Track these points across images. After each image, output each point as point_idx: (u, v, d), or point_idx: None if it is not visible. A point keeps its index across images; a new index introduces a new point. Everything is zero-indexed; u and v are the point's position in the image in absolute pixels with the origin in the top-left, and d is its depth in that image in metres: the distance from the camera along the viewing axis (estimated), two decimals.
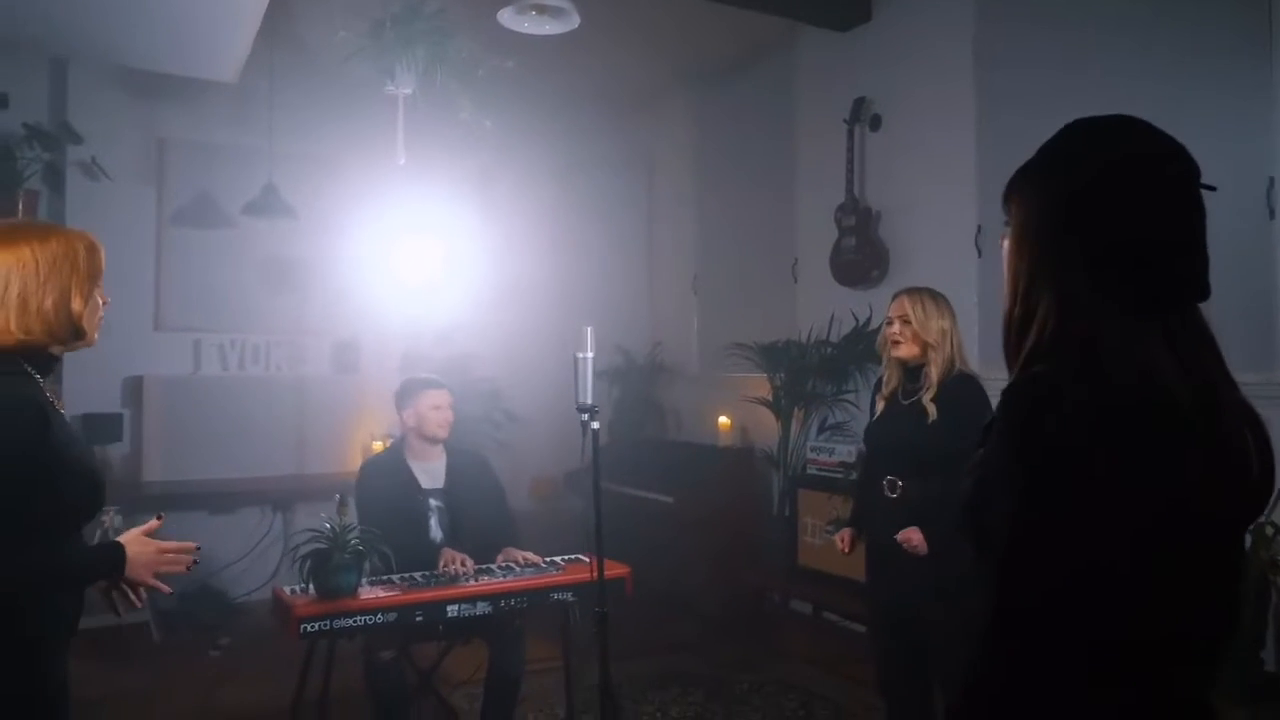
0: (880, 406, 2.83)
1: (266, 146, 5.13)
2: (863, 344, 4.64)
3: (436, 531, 3.21)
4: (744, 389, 5.38)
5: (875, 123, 4.66)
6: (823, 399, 4.84)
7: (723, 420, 5.33)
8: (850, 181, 4.67)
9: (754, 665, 4.30)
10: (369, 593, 2.67)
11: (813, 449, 4.71)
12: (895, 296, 2.84)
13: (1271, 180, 3.10)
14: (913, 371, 2.79)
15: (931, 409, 2.67)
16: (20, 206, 4.66)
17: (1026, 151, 4.42)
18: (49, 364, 1.65)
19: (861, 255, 4.60)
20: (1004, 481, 1.05)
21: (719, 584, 4.90)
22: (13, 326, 1.55)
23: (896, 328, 2.76)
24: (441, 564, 2.97)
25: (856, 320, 4.73)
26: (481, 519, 3.23)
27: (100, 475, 1.66)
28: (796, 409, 4.90)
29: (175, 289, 5.35)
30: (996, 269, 4.01)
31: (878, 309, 4.62)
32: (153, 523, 1.73)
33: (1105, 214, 1.09)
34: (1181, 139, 3.67)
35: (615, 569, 3.05)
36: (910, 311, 2.74)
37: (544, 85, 5.63)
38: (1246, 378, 3.10)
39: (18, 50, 4.80)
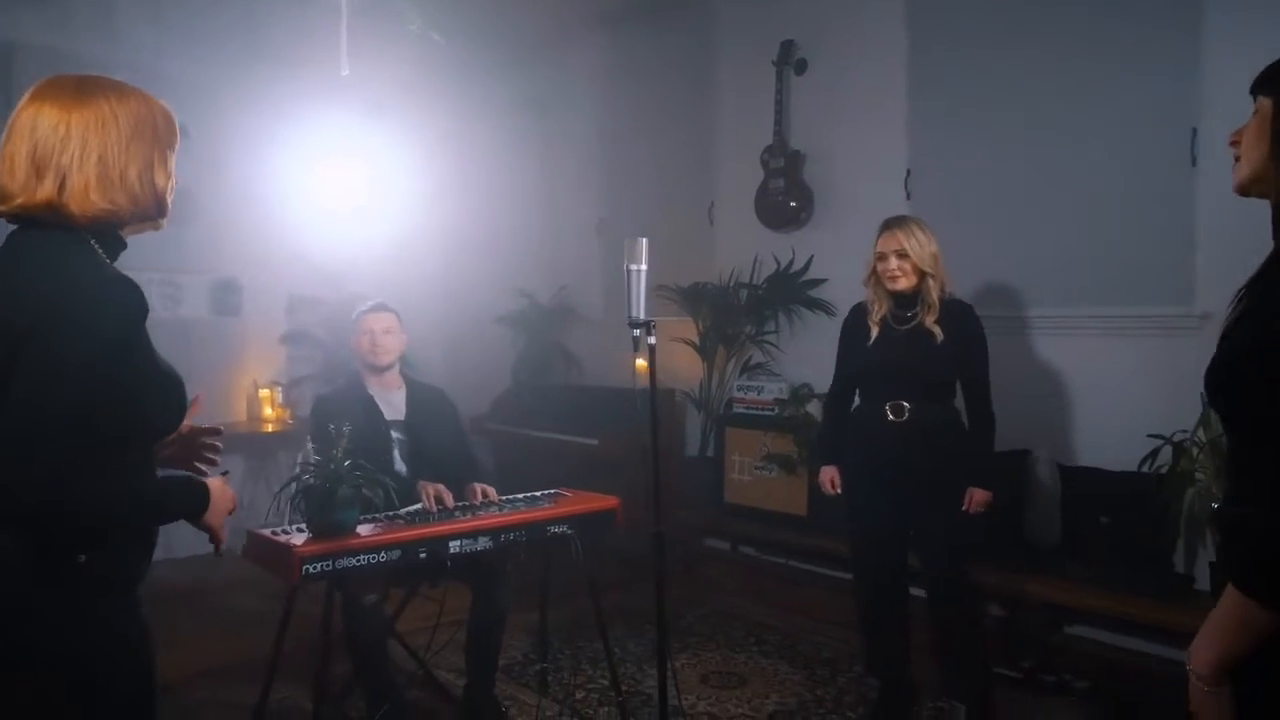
0: (874, 332, 2.90)
1: (142, 59, 4.58)
2: (787, 286, 4.75)
3: (400, 464, 3.03)
4: (660, 331, 5.37)
5: (801, 66, 4.73)
6: (748, 340, 4.91)
7: (639, 363, 5.29)
8: (779, 123, 4.72)
9: (691, 601, 4.36)
10: (363, 529, 2.49)
11: (739, 388, 4.78)
12: (882, 231, 2.90)
13: (1195, 130, 3.38)
14: (902, 298, 2.87)
15: (938, 331, 2.76)
16: None
17: (956, 98, 4.62)
18: (117, 248, 1.40)
19: (789, 197, 4.68)
20: None
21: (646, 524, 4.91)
22: (93, 195, 1.30)
23: (894, 264, 2.82)
24: (424, 498, 2.81)
25: (778, 263, 4.83)
26: (444, 451, 3.08)
27: (184, 388, 1.43)
28: (720, 350, 4.96)
29: None
30: (924, 211, 4.15)
31: (800, 251, 4.74)
32: (224, 476, 1.55)
33: None
34: (1110, 91, 3.91)
35: (606, 501, 2.99)
36: (905, 244, 2.81)
37: (442, 26, 5.34)
38: (1168, 310, 3.39)
39: None
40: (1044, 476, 3.78)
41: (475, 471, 3.13)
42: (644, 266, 2.30)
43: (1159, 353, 3.48)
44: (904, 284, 2.82)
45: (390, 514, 2.62)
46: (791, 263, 4.76)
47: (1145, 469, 3.33)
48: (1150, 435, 3.25)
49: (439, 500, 2.80)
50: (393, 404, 3.09)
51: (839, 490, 3.07)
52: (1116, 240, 3.61)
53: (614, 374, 5.57)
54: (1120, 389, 3.55)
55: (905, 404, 2.82)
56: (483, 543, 2.64)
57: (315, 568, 2.32)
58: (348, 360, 5.78)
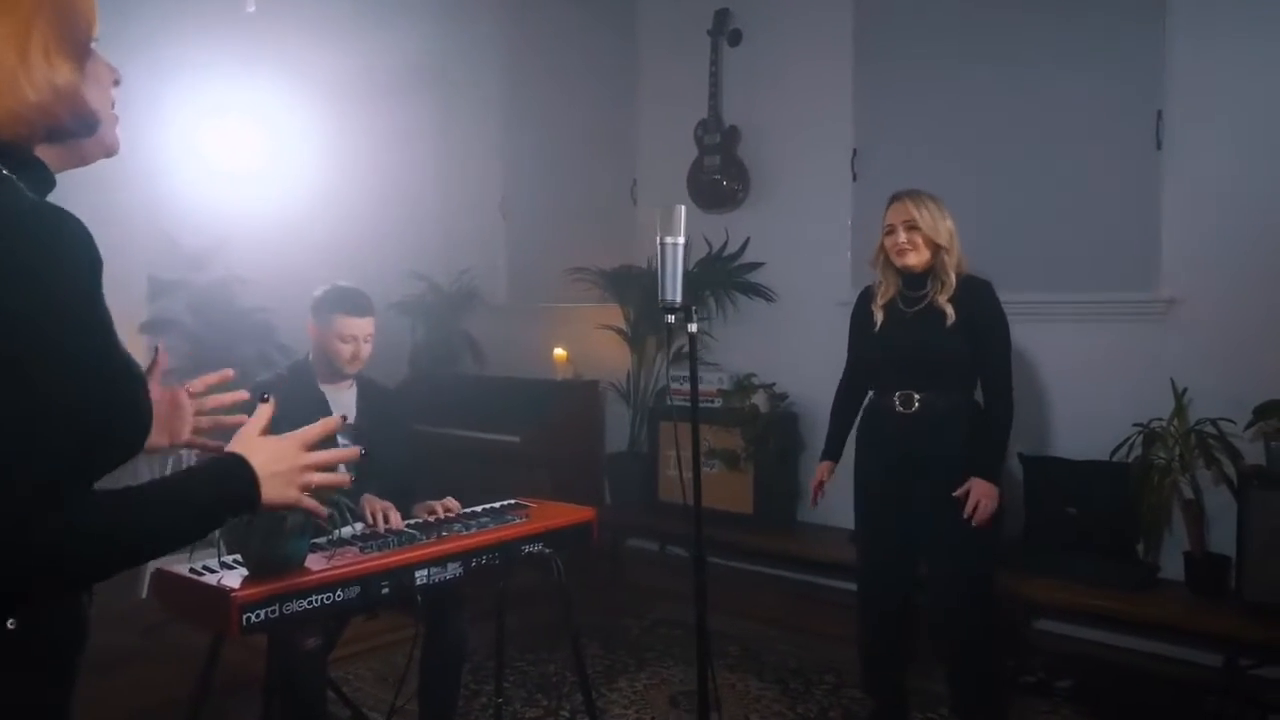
0: (880, 317, 2.64)
1: None
2: (722, 270, 4.47)
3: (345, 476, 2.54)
4: (575, 318, 5.01)
5: (735, 37, 4.45)
6: (679, 328, 4.59)
7: (559, 352, 4.91)
8: (714, 97, 4.43)
9: (631, 609, 4.03)
10: (312, 562, 2.01)
11: (674, 378, 4.47)
12: (891, 203, 2.65)
13: (1159, 113, 3.32)
14: (912, 279, 2.63)
15: (950, 310, 2.53)
16: None
17: (908, 75, 4.39)
18: (47, 186, 0.95)
19: (725, 176, 4.40)
20: None
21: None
22: None
23: (903, 236, 2.57)
24: (368, 514, 2.35)
25: (710, 245, 4.54)
26: (392, 463, 2.62)
27: (147, 387, 0.99)
28: (650, 339, 4.63)
29: None
30: (872, 192, 4.01)
31: (736, 233, 4.47)
32: (264, 408, 1.12)
33: None
34: (1075, 73, 3.81)
35: (579, 513, 2.61)
36: (917, 215, 2.56)
37: None
38: (1133, 295, 3.32)
39: None
40: (1007, 467, 3.67)
41: (421, 487, 2.68)
42: (683, 240, 1.92)
43: (1124, 339, 3.42)
44: (914, 260, 2.57)
45: (330, 538, 2.15)
46: (725, 245, 4.49)
47: (1118, 457, 3.26)
48: (1135, 425, 3.17)
49: (385, 520, 2.35)
50: (343, 404, 2.60)
51: (823, 493, 2.80)
52: (1079, 225, 3.53)
53: (522, 364, 5.15)
54: (1085, 376, 3.47)
55: (915, 394, 2.57)
56: (453, 570, 2.20)
57: (258, 615, 1.83)
58: (222, 350, 5.17)
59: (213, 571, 1.92)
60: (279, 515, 1.87)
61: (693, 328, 1.96)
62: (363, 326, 2.57)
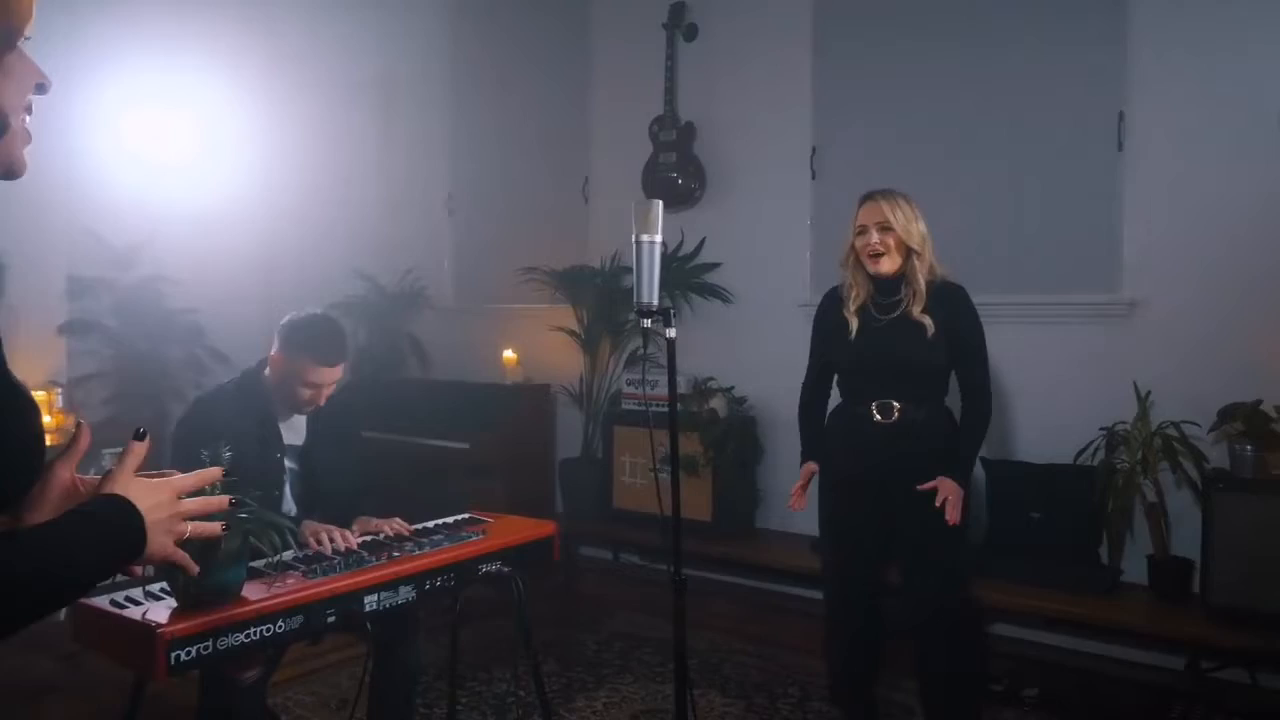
0: (854, 323, 2.54)
1: None
2: (677, 270, 4.35)
3: (290, 503, 2.36)
4: (526, 320, 4.86)
5: (691, 32, 4.33)
6: (632, 329, 4.47)
7: (508, 355, 4.74)
8: (669, 93, 4.31)
9: (586, 622, 3.89)
10: (250, 590, 1.83)
11: (629, 382, 4.34)
12: (862, 202, 2.56)
13: (1121, 114, 3.30)
14: (884, 283, 2.54)
15: (928, 321, 2.44)
16: None
17: (869, 72, 4.27)
18: None
19: (682, 173, 4.28)
20: None
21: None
22: None
23: (876, 238, 2.48)
24: (312, 542, 2.17)
25: (665, 245, 4.40)
26: (341, 484, 2.44)
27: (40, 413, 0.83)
28: (603, 341, 4.49)
29: None
30: (831, 191, 3.93)
31: (692, 232, 4.36)
32: (138, 447, 0.99)
33: None
34: (1037, 74, 3.76)
35: (539, 528, 2.47)
36: (890, 216, 2.47)
37: None
38: (1095, 297, 3.30)
39: None
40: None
41: (370, 502, 2.50)
42: (659, 238, 1.79)
43: (1087, 341, 3.39)
44: (887, 266, 2.49)
45: (269, 561, 1.96)
46: (681, 245, 4.37)
47: (1083, 461, 3.22)
48: (1102, 428, 3.14)
49: (330, 540, 2.17)
50: (293, 425, 2.40)
51: (805, 495, 2.69)
52: (1041, 226, 3.50)
53: (470, 367, 4.98)
54: (1047, 379, 3.43)
55: (895, 404, 2.48)
56: (405, 593, 2.04)
57: (188, 653, 1.65)
58: (145, 355, 4.88)
59: (137, 604, 1.74)
60: (211, 541, 1.69)
61: (671, 333, 1.81)
62: (331, 375, 2.33)
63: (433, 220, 5.39)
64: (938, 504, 2.43)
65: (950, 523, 2.44)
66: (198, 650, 1.66)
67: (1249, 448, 2.89)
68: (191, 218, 4.85)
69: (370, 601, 1.97)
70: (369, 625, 1.93)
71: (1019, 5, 3.52)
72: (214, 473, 1.16)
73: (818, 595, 3.41)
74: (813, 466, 2.66)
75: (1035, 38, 3.49)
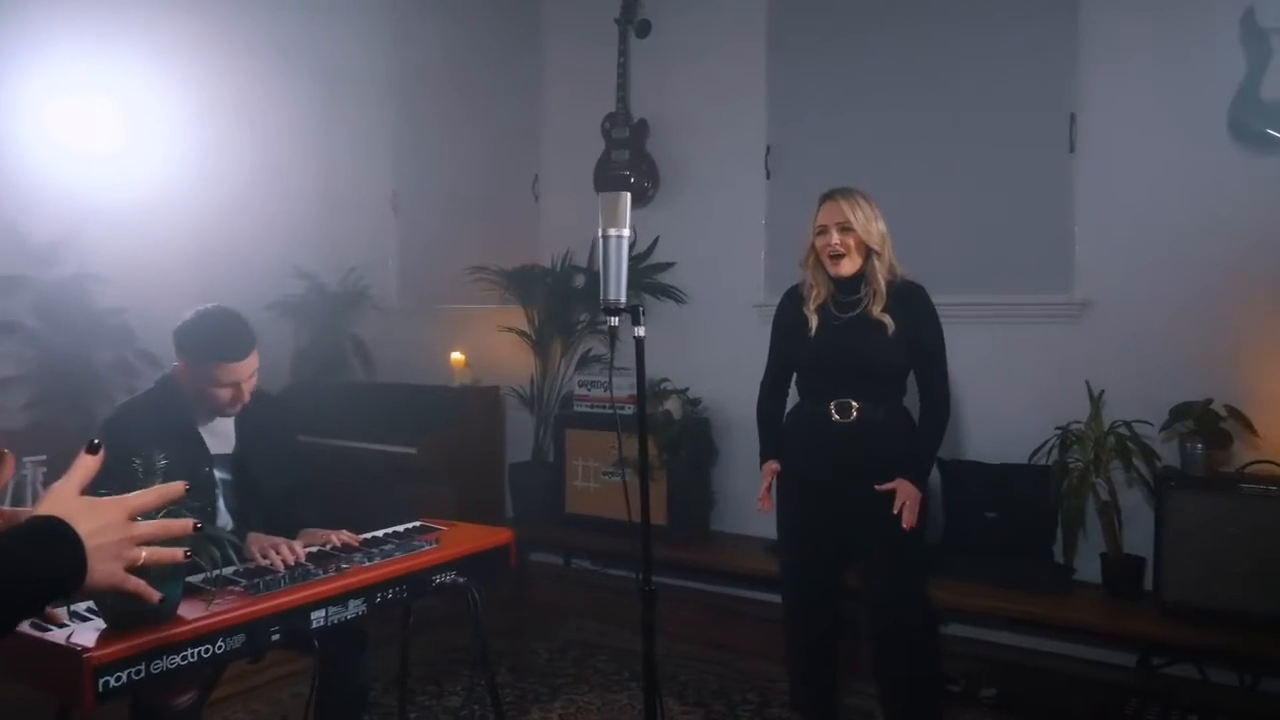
0: (814, 321, 2.50)
1: None
2: (630, 270, 4.27)
3: (224, 515, 2.22)
4: (474, 320, 4.74)
5: (644, 28, 4.27)
6: (584, 330, 4.39)
7: (456, 357, 4.62)
8: (622, 89, 4.24)
9: (539, 629, 3.80)
10: (186, 608, 1.70)
11: (581, 384, 4.25)
12: (822, 202, 2.52)
13: (1073, 116, 3.32)
14: (844, 283, 2.50)
15: (888, 320, 2.41)
16: None
17: (824, 72, 4.22)
18: None
19: (635, 171, 4.21)
20: None
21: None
22: None
23: (837, 238, 2.44)
24: (258, 555, 2.04)
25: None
26: (279, 491, 2.31)
27: None
28: (555, 342, 4.40)
29: None
30: (786, 191, 3.92)
31: (645, 231, 4.29)
32: (88, 461, 0.88)
33: None
34: (989, 76, 3.77)
35: (495, 535, 2.37)
36: (851, 216, 2.44)
37: None
38: (1047, 298, 3.32)
39: None
40: None
41: (310, 511, 2.38)
42: (627, 232, 1.72)
43: (1040, 342, 3.41)
44: (847, 267, 2.45)
45: (208, 577, 1.83)
46: (634, 244, 4.30)
47: (1037, 460, 3.24)
48: (1058, 428, 3.15)
49: (278, 553, 2.04)
50: (219, 432, 2.25)
51: (771, 496, 2.64)
52: (994, 227, 3.51)
53: (417, 370, 4.83)
54: (1002, 379, 3.44)
55: (853, 404, 2.44)
56: (355, 607, 1.94)
57: (118, 679, 1.52)
58: (70, 358, 4.63)
59: (62, 628, 1.60)
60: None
61: (640, 331, 1.74)
62: (246, 368, 2.17)
63: (377, 217, 5.24)
64: (896, 509, 2.40)
65: (907, 527, 2.41)
66: (129, 675, 1.54)
67: (1200, 446, 2.92)
68: (120, 212, 4.61)
69: (317, 617, 1.85)
70: (316, 643, 1.82)
71: (972, 7, 3.53)
72: (175, 489, 1.01)
73: (775, 599, 3.36)
74: (774, 466, 2.61)
75: (990, 39, 3.50)
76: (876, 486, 2.43)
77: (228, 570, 1.89)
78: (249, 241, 5.17)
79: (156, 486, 1.00)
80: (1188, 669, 3.06)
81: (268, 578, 1.86)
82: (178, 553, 0.99)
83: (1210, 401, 2.93)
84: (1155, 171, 3.18)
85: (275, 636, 1.77)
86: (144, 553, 0.91)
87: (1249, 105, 2.94)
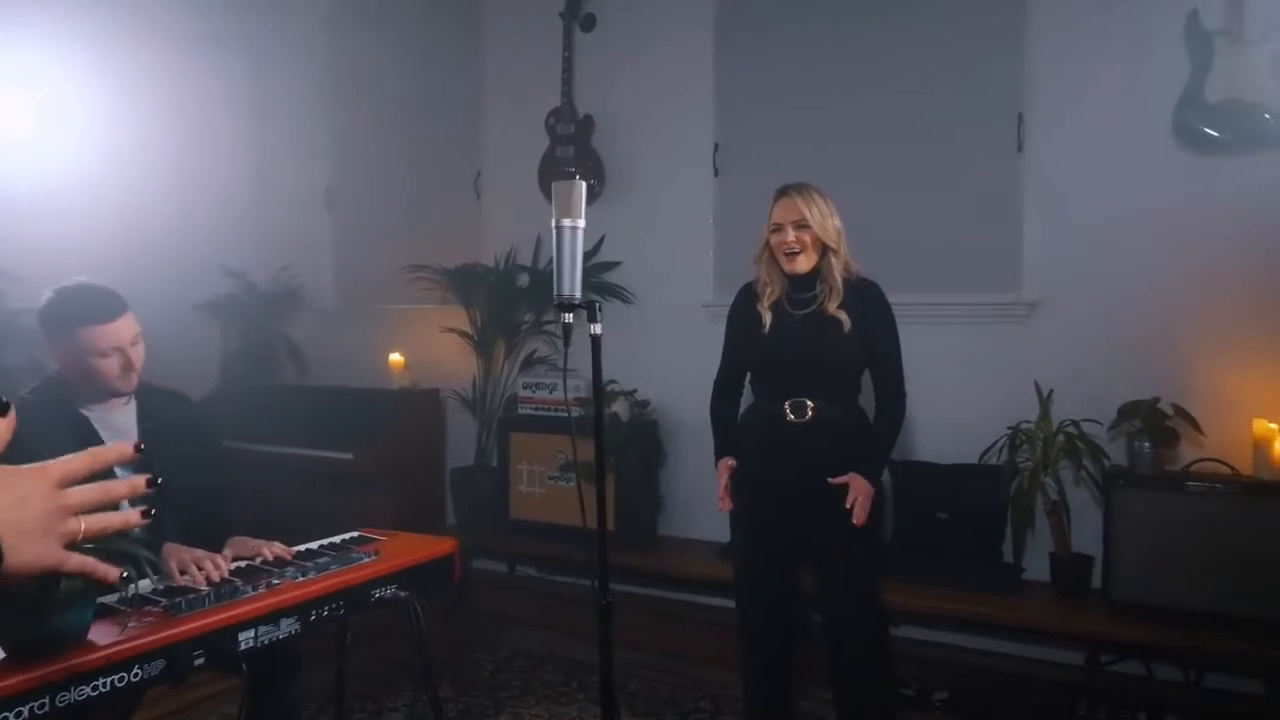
0: (768, 319, 2.43)
1: None
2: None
3: None
4: (414, 321, 4.59)
5: (589, 22, 4.17)
6: (529, 331, 4.27)
7: (394, 358, 4.46)
8: (567, 84, 4.13)
9: (484, 641, 3.67)
10: (98, 632, 1.55)
11: (525, 386, 4.13)
12: (778, 198, 2.45)
13: (1020, 116, 3.32)
14: (799, 280, 2.44)
15: (844, 318, 2.36)
16: None
17: (773, 71, 4.16)
18: None
19: (581, 168, 4.11)
20: None
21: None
22: None
23: (792, 235, 2.38)
24: (176, 571, 1.89)
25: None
26: (197, 496, 2.15)
27: None
28: (498, 343, 4.28)
29: None
30: (734, 189, 3.86)
31: (590, 229, 4.16)
32: None
33: None
34: (938, 74, 3.77)
35: (438, 545, 2.25)
36: (807, 213, 2.38)
37: None
38: (996, 297, 3.32)
39: None
40: None
41: (236, 518, 2.23)
42: (582, 223, 1.62)
43: (989, 341, 3.40)
44: (803, 265, 2.40)
45: (125, 595, 1.68)
46: None
47: (988, 460, 3.23)
48: (1009, 428, 3.14)
49: (200, 568, 1.90)
50: (118, 428, 2.08)
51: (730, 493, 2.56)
52: (943, 226, 3.49)
53: (353, 372, 4.66)
54: (952, 379, 3.42)
55: (808, 402, 2.38)
56: (288, 626, 1.80)
57: (19, 715, 1.37)
58: None
59: None
60: (43, 581, 1.41)
61: (596, 329, 1.64)
62: (121, 331, 2.02)
63: (311, 215, 5.04)
64: (848, 504, 2.35)
65: (857, 523, 2.36)
66: (31, 710, 1.39)
67: (1147, 445, 2.94)
68: (34, 206, 4.36)
69: (246, 638, 1.71)
70: (245, 665, 1.68)
71: (924, 3, 3.51)
72: (120, 450, 0.85)
73: (726, 604, 3.30)
74: (730, 462, 2.52)
75: (939, 37, 3.49)
76: (829, 480, 2.37)
77: (145, 588, 1.74)
78: (175, 239, 4.93)
79: (89, 449, 0.84)
80: (1134, 666, 3.07)
81: (190, 596, 1.72)
82: (131, 515, 0.83)
83: (1158, 400, 2.94)
84: (1102, 172, 3.19)
85: (199, 660, 1.63)
86: (83, 523, 0.77)
87: (1193, 107, 2.97)
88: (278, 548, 2.08)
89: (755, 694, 2.64)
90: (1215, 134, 2.96)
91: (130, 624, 1.58)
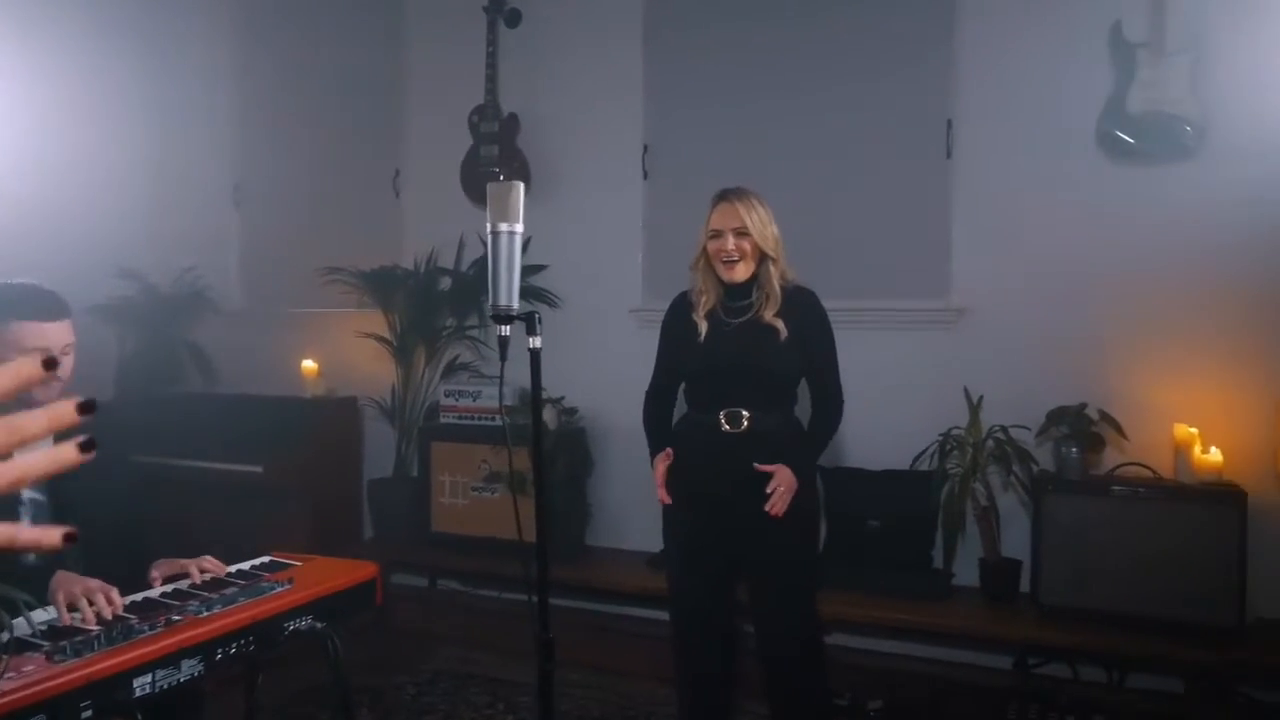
0: (703, 327, 2.35)
1: None
2: None
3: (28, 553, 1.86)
4: (328, 326, 4.38)
5: (514, 18, 4.04)
6: (450, 336, 4.12)
7: (308, 365, 4.25)
8: (491, 81, 3.99)
9: (405, 660, 3.50)
10: None
11: (448, 394, 3.97)
12: (717, 203, 2.37)
13: (949, 122, 3.33)
14: (735, 288, 2.37)
15: (780, 326, 2.29)
16: None
17: (703, 73, 4.13)
18: None
19: (505, 168, 3.97)
20: None
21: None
22: None
23: (731, 243, 2.30)
24: (64, 605, 1.70)
25: (486, 245, 4.09)
26: (110, 520, 1.96)
27: None
28: (418, 349, 4.11)
29: None
30: (664, 192, 3.79)
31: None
32: None
33: None
34: (868, 79, 3.76)
35: (358, 570, 2.10)
36: (747, 220, 2.30)
37: None
38: (923, 304, 3.32)
39: None
40: None
41: (151, 540, 2.05)
42: (520, 227, 1.51)
43: (919, 348, 3.41)
44: (741, 273, 2.33)
45: (0, 642, 1.50)
46: None
47: (919, 466, 3.22)
48: (940, 434, 3.14)
49: (91, 602, 1.71)
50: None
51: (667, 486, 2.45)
52: (873, 232, 3.48)
53: (263, 379, 4.42)
54: (882, 386, 3.39)
55: (744, 413, 2.31)
56: (190, 668, 1.63)
57: None
58: None
59: None
60: None
61: (535, 342, 1.54)
62: (58, 334, 1.88)
63: (216, 213, 4.78)
64: (768, 489, 2.28)
65: (773, 512, 2.28)
66: None
67: (1074, 450, 2.97)
68: None
69: (142, 684, 1.55)
70: (139, 715, 1.52)
71: (851, 14, 3.49)
72: (33, 370, 0.65)
73: (657, 615, 3.23)
74: (668, 452, 2.41)
75: (869, 41, 3.48)
76: (756, 465, 2.29)
77: (23, 629, 1.56)
78: (67, 237, 4.59)
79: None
80: (1061, 669, 3.11)
81: (77, 639, 1.54)
82: (66, 453, 0.65)
83: (1084, 406, 2.98)
84: (1028, 180, 3.23)
85: (88, 712, 1.46)
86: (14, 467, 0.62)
87: (1116, 117, 3.02)
88: (209, 562, 1.92)
89: (695, 704, 2.57)
90: (1137, 144, 3.01)
91: (7, 675, 1.41)
